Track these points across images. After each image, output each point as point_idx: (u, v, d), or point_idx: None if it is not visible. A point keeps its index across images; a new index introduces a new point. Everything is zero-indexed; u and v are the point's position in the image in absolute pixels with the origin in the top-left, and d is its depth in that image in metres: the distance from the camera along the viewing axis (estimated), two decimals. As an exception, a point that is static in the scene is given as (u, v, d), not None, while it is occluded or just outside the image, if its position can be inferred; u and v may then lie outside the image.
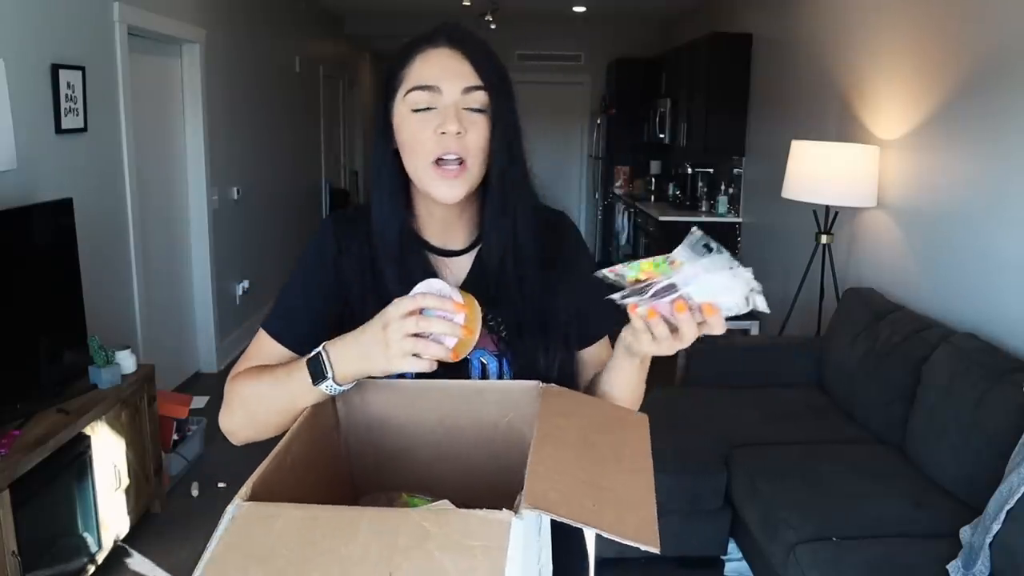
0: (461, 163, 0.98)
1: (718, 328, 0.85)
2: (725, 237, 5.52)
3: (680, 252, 0.85)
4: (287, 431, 0.88)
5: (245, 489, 0.74)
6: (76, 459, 2.44)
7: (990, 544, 1.92)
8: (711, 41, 5.43)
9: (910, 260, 3.27)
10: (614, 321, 1.13)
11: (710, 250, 0.85)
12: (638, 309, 0.86)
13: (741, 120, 5.41)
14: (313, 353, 0.93)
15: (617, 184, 7.64)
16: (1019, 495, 1.89)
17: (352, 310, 1.05)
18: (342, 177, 8.42)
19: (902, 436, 2.66)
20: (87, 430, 2.49)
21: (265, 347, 1.07)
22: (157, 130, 4.05)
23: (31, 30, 2.82)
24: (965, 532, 2.04)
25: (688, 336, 0.86)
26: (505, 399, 0.95)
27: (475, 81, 0.97)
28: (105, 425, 2.60)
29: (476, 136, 0.98)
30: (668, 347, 0.88)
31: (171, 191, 4.25)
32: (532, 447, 0.80)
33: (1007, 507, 1.91)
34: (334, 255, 1.07)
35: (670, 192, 6.61)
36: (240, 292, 5.10)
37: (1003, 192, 2.69)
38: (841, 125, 3.83)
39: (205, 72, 4.35)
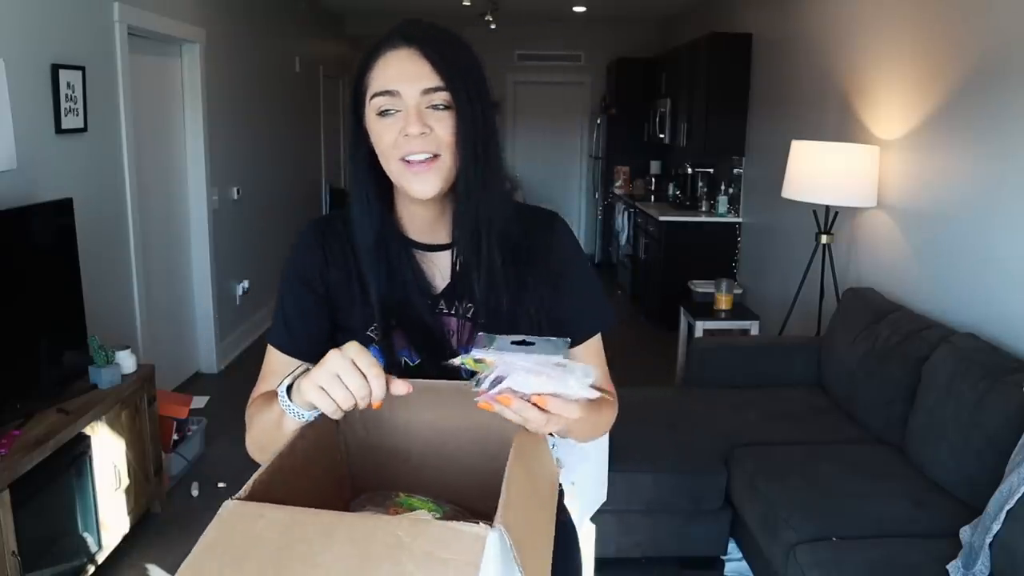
0: (434, 158, 0.98)
1: (568, 412, 0.83)
2: (725, 237, 5.53)
3: (480, 352, 0.85)
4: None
5: (246, 487, 0.74)
6: (76, 459, 2.44)
7: (990, 544, 1.92)
8: (711, 41, 5.43)
9: (910, 260, 3.27)
10: (607, 321, 1.14)
11: (530, 344, 0.85)
12: (476, 399, 0.85)
13: (741, 120, 5.41)
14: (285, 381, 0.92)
15: (617, 184, 7.64)
16: (1019, 495, 1.90)
17: (342, 316, 1.07)
18: (342, 177, 8.41)
19: (902, 436, 2.66)
20: (87, 430, 2.49)
21: (273, 360, 1.09)
22: (157, 130, 4.05)
23: (31, 30, 2.82)
24: (965, 532, 2.04)
25: (537, 421, 0.84)
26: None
27: (435, 82, 0.96)
28: (105, 425, 2.60)
29: (443, 131, 0.97)
30: (536, 428, 0.86)
31: (171, 191, 4.25)
32: (508, 466, 0.80)
33: (1007, 507, 1.91)
34: (321, 267, 1.08)
35: (670, 192, 6.61)
36: (240, 292, 5.10)
37: (1003, 192, 2.69)
38: (841, 125, 3.83)
39: (205, 72, 4.35)
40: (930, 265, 3.13)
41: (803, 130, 4.11)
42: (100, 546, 2.57)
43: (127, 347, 2.82)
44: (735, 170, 5.56)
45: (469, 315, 1.07)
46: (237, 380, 4.61)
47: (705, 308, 4.55)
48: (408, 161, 0.98)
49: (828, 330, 3.35)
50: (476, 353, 0.85)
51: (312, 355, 1.01)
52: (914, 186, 3.25)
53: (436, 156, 0.98)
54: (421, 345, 1.06)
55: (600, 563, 2.49)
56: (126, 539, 2.77)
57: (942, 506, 2.31)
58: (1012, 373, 2.30)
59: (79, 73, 3.08)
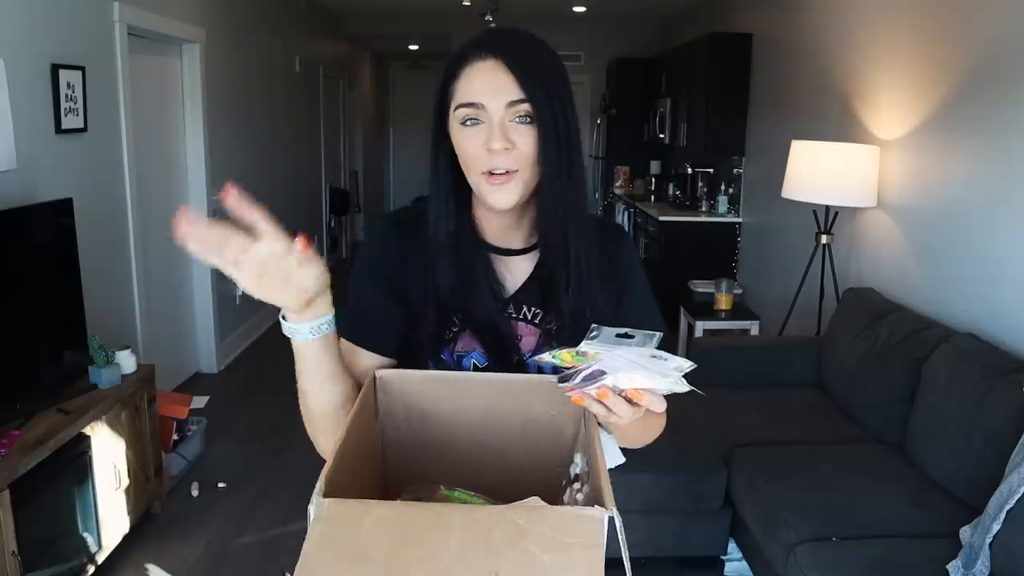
0: (514, 171, 1.00)
1: (656, 406, 0.86)
2: (725, 237, 5.53)
3: (587, 345, 0.87)
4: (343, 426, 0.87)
5: (320, 485, 0.73)
6: (76, 459, 2.44)
7: (990, 544, 1.92)
8: (711, 41, 5.43)
9: (910, 260, 3.27)
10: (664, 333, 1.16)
11: (631, 338, 0.88)
12: (569, 393, 0.86)
13: (741, 120, 5.40)
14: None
15: (617, 184, 7.64)
16: (1019, 495, 1.90)
17: (416, 313, 1.08)
18: (342, 177, 8.41)
19: (902, 436, 2.66)
20: (87, 430, 2.49)
21: (346, 355, 1.07)
22: (157, 130, 4.05)
23: (31, 30, 2.82)
24: (965, 532, 2.04)
25: (625, 415, 0.86)
26: (554, 394, 0.94)
27: (518, 94, 0.97)
28: (105, 425, 2.60)
29: (526, 146, 0.98)
30: (616, 420, 0.88)
31: (171, 191, 4.25)
32: (597, 449, 0.82)
33: (1007, 507, 1.91)
34: (399, 263, 1.09)
35: (670, 192, 6.61)
36: (240, 292, 5.08)
37: (1003, 192, 2.69)
38: (841, 125, 3.83)
39: (205, 72, 4.35)
40: (930, 265, 3.13)
41: (803, 130, 4.10)
42: (100, 546, 2.57)
43: (127, 347, 2.82)
44: (735, 170, 5.56)
45: (536, 320, 1.09)
46: (237, 380, 4.61)
47: (705, 308, 4.55)
48: (489, 174, 1.00)
49: (828, 330, 3.35)
50: (583, 345, 0.87)
51: (384, 351, 1.05)
52: (914, 186, 3.24)
53: (516, 170, 0.99)
54: (490, 347, 1.07)
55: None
56: (126, 539, 2.77)
57: (942, 506, 2.31)
58: (1012, 373, 2.30)
59: (79, 73, 3.08)
